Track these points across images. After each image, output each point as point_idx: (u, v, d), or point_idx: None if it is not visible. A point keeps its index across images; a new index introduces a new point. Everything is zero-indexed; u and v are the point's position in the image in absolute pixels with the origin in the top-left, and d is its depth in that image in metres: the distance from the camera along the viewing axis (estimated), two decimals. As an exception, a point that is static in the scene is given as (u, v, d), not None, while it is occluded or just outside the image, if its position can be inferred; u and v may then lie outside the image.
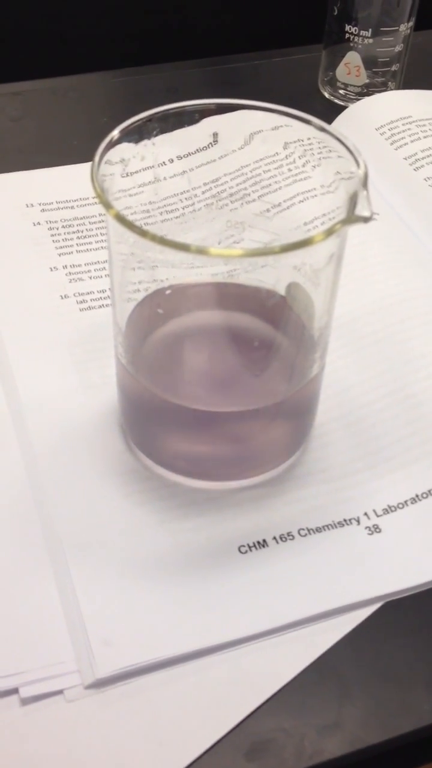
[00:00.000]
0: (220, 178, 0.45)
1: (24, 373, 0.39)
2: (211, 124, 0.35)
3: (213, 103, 0.33)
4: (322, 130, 0.32)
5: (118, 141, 0.31)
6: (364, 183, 0.30)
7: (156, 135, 0.33)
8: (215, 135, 0.40)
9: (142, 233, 0.28)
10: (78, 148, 0.53)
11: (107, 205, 0.29)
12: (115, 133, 0.31)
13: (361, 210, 0.29)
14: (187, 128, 0.34)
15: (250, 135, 0.39)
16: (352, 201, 0.30)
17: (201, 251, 0.28)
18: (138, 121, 0.32)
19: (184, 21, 0.71)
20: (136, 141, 0.32)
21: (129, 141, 0.32)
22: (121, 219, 0.29)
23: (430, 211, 0.49)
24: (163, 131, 0.33)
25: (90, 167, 0.30)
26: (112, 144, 0.31)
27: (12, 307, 0.42)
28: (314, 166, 0.36)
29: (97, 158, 0.30)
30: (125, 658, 0.30)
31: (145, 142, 0.33)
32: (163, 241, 0.28)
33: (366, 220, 0.29)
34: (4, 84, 0.59)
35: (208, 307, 0.37)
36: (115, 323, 0.34)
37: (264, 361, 0.35)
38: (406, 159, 0.51)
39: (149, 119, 0.32)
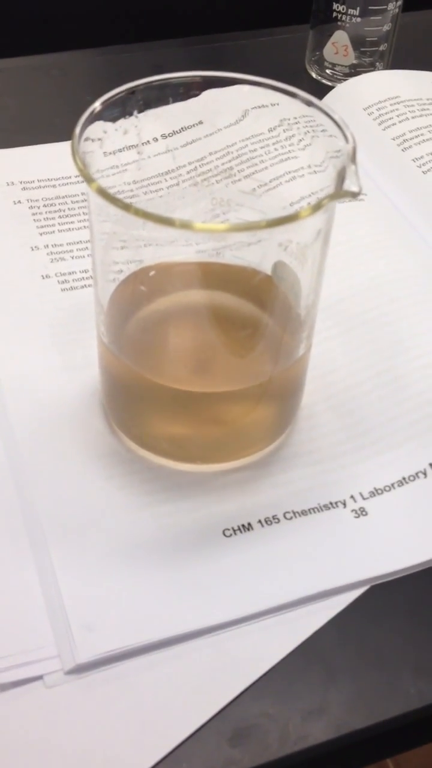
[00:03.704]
0: (205, 156, 0.44)
1: (4, 353, 0.38)
2: (199, 102, 0.34)
3: (199, 76, 0.33)
4: (310, 104, 0.31)
5: (100, 114, 0.30)
6: (353, 158, 0.29)
7: (140, 110, 0.32)
8: (201, 114, 0.39)
9: (126, 207, 0.28)
10: (60, 126, 0.51)
11: (89, 179, 0.28)
12: (97, 105, 0.30)
13: (350, 185, 0.29)
14: (173, 105, 0.33)
15: (237, 113, 0.38)
16: (341, 176, 0.29)
17: (185, 225, 0.27)
18: (121, 92, 0.31)
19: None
20: (119, 114, 0.31)
21: (111, 114, 0.31)
22: (103, 193, 0.28)
23: (418, 191, 0.48)
24: (147, 105, 0.32)
25: (71, 142, 0.29)
26: (94, 116, 0.30)
27: (-9, 288, 0.41)
28: (305, 146, 0.35)
29: (77, 130, 0.29)
30: (107, 642, 0.29)
31: (128, 116, 0.32)
32: (147, 215, 0.27)
33: (354, 195, 0.28)
34: (-15, 61, 0.58)
35: (192, 286, 0.37)
36: (97, 302, 0.34)
37: (249, 341, 0.35)
38: (394, 139, 0.51)
39: (132, 91, 0.32)
